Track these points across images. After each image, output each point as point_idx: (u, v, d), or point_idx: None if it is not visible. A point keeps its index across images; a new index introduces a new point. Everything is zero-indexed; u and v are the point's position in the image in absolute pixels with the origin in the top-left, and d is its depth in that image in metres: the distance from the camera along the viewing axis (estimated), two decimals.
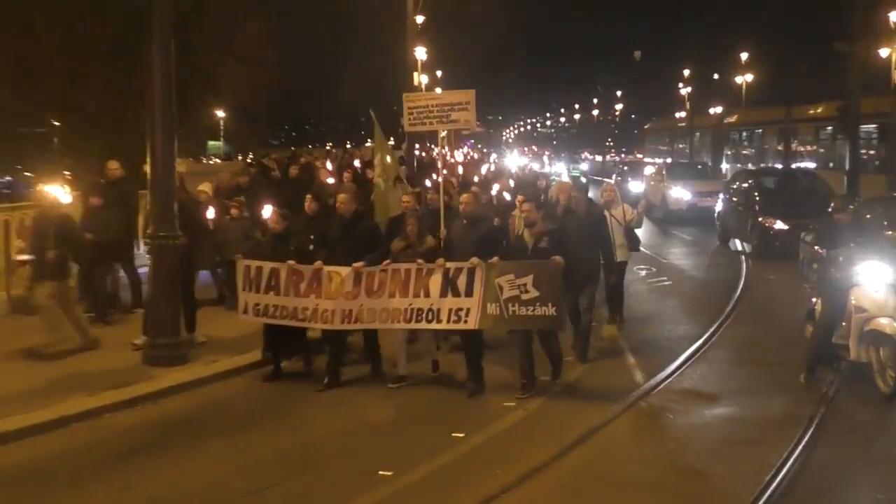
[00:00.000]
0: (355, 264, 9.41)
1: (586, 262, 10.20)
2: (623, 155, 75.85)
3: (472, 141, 71.26)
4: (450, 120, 11.24)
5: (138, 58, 10.63)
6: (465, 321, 9.08)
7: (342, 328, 9.69)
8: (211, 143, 50.99)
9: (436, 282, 9.16)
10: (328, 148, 48.94)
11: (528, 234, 9.33)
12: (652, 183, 29.30)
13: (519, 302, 8.85)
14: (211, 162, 38.39)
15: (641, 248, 13.22)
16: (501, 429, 8.26)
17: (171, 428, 8.48)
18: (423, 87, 41.74)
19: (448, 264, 9.16)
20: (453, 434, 8.04)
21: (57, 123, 33.34)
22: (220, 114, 42.58)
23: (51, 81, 24.53)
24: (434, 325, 9.37)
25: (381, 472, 7.11)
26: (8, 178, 46.71)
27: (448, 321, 9.17)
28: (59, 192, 11.08)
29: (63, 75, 24.26)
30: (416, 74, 37.85)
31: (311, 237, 10.37)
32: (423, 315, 9.22)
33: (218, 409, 9.09)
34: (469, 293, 9.02)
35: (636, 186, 31.95)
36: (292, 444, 8.01)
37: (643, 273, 17.04)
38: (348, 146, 58.73)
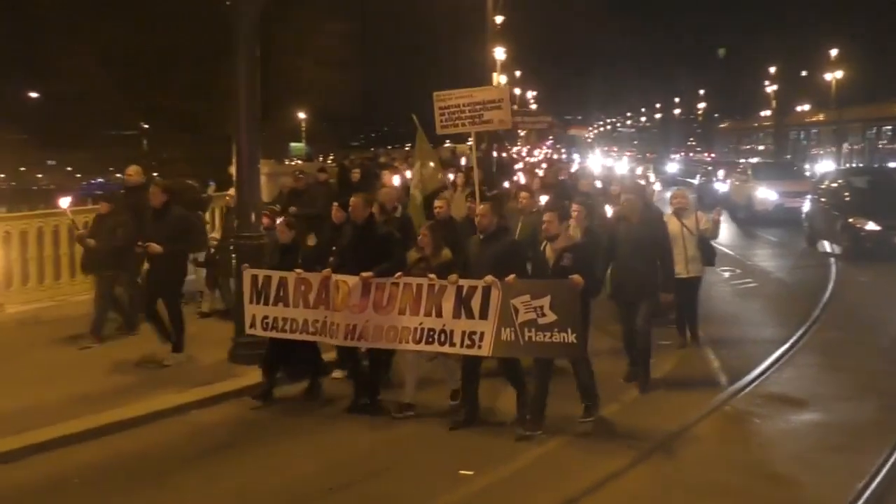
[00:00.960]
0: (363, 274, 8.61)
1: (640, 276, 9.24)
2: (692, 155, 74.26)
3: (552, 140, 70.51)
4: (483, 120, 10.48)
5: (223, 61, 10.79)
6: (479, 346, 8.11)
7: (345, 345, 8.96)
8: (293, 144, 51.79)
9: (449, 300, 8.25)
10: (407, 149, 49.25)
11: (549, 250, 8.30)
12: (737, 183, 28.86)
13: (536, 327, 7.86)
14: (293, 163, 39.01)
15: (725, 249, 12.55)
16: (581, 431, 8.15)
17: (254, 424, 8.63)
18: (503, 86, 41.63)
19: (461, 281, 8.21)
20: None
21: (145, 126, 34.44)
22: (302, 115, 43.23)
23: (138, 85, 25.32)
24: (446, 349, 8.39)
25: (461, 472, 7.13)
26: (100, 179, 48.33)
27: (461, 345, 8.21)
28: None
29: (149, 79, 25.01)
30: (494, 75, 37.82)
31: (333, 248, 9.60)
32: (435, 336, 8.31)
33: (299, 406, 9.18)
34: (484, 315, 8.07)
35: (721, 186, 31.36)
36: (371, 442, 8.07)
37: (727, 275, 16.66)
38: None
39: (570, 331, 7.75)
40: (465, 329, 8.16)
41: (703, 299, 11.68)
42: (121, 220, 11.23)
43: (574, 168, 30.15)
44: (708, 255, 11.14)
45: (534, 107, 61.94)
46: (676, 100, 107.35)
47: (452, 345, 8.26)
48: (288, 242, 9.51)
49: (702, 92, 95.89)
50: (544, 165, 29.92)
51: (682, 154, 77.22)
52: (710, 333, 11.62)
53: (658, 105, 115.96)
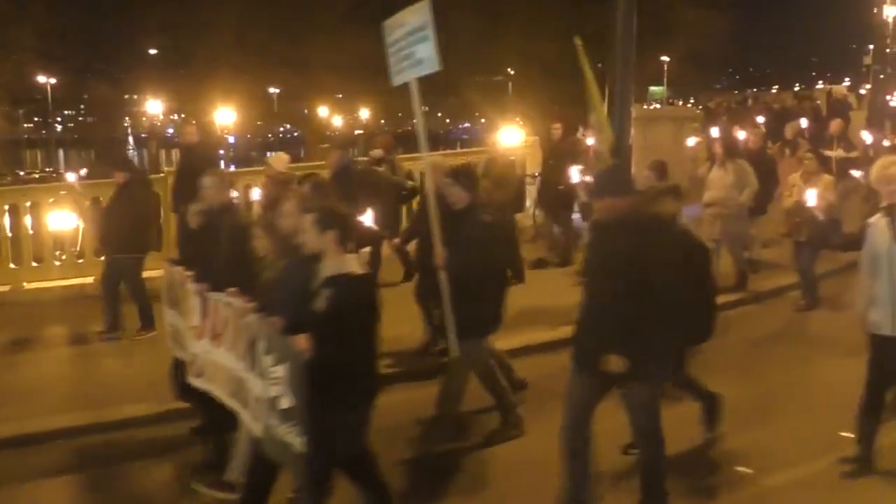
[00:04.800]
0: (196, 284, 5.86)
1: (612, 337, 5.04)
2: None
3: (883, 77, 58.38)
4: (416, 60, 6.90)
5: (594, 4, 10.69)
6: (257, 418, 5.05)
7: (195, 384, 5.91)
8: (652, 88, 50.94)
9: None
10: (774, 91, 46.32)
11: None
12: None
13: (276, 412, 4.68)
14: (652, 107, 38.42)
15: None
16: None
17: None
18: (890, 21, 37.41)
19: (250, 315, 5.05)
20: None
21: (511, 71, 35.85)
22: (664, 58, 42.33)
23: (511, 35, 26.42)
24: (245, 412, 5.21)
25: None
26: (466, 124, 51.20)
27: (254, 413, 5.09)
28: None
29: (523, 28, 25.90)
30: (884, 7, 34.04)
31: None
32: (245, 392, 5.18)
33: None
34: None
35: None
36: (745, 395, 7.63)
37: None
38: (797, 88, 55.18)
39: (297, 430, 4.53)
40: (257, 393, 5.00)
41: None
42: (135, 193, 9.89)
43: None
44: None
45: None
46: None
47: (249, 408, 5.15)
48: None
49: None
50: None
51: None
52: None
53: None
